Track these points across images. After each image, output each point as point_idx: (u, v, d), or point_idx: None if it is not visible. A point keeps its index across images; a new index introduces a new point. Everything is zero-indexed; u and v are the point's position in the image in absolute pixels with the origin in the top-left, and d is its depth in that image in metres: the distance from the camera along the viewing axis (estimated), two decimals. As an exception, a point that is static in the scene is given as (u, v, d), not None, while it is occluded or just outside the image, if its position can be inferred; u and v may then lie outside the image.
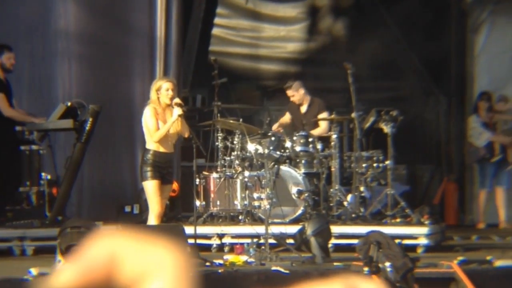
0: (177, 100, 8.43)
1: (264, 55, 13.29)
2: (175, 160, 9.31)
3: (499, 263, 8.09)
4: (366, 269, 7.37)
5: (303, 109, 11.04)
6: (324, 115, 10.85)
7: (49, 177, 9.80)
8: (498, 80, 12.49)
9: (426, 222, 9.70)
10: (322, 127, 10.83)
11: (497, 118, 11.87)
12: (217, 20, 13.10)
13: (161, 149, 8.42)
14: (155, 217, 8.41)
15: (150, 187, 8.37)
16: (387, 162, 10.28)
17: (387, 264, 7.27)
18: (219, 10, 13.10)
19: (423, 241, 9.45)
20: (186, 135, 8.64)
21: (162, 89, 8.36)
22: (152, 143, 8.42)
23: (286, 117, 11.09)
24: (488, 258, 8.29)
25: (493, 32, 12.68)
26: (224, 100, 10.80)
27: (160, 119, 8.40)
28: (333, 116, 10.64)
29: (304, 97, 10.95)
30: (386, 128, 10.36)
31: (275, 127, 10.93)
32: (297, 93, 10.88)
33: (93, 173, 10.90)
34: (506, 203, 11.67)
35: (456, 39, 12.82)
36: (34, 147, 9.89)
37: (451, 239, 10.31)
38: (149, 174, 8.35)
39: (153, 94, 8.40)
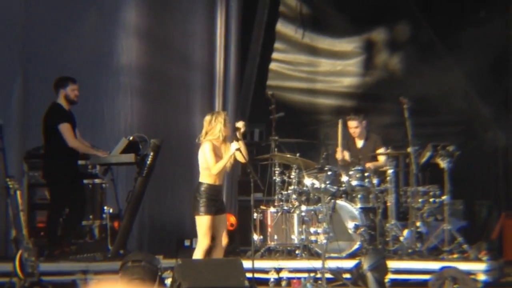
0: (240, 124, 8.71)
1: (320, 90, 13.38)
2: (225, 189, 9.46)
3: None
4: None
5: (360, 144, 11.10)
6: (381, 150, 10.91)
7: (111, 210, 9.98)
8: (555, 114, 12.39)
9: (484, 258, 9.66)
10: (381, 161, 10.87)
11: (555, 153, 11.76)
12: (274, 55, 13.25)
13: (216, 182, 8.62)
14: (202, 251, 8.56)
15: (204, 222, 8.52)
16: (444, 197, 10.28)
17: None
18: (276, 45, 13.25)
19: (481, 277, 9.37)
20: (243, 161, 8.77)
21: (226, 122, 8.64)
22: (207, 177, 8.58)
23: (342, 154, 11.08)
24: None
25: (551, 66, 12.60)
26: (281, 134, 10.91)
27: (217, 153, 8.59)
28: (389, 151, 10.70)
29: (364, 131, 11.02)
30: (443, 163, 10.36)
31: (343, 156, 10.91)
32: (361, 125, 10.94)
33: (154, 207, 11.06)
34: None
35: (513, 73, 12.77)
36: (97, 180, 10.09)
37: (510, 275, 10.19)
38: (203, 208, 8.51)
39: (219, 127, 8.57)
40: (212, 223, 8.53)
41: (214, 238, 8.72)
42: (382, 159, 10.91)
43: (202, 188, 8.55)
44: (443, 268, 7.89)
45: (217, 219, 8.60)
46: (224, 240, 8.71)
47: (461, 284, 7.42)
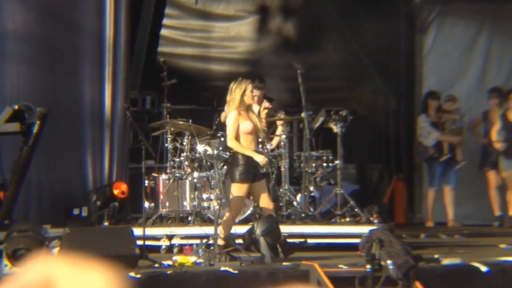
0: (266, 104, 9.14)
1: (214, 56, 13.26)
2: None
3: (446, 261, 8.16)
4: (368, 266, 7.45)
5: (256, 109, 11.00)
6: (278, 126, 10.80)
7: (-5, 181, 9.68)
8: (446, 80, 12.62)
9: (375, 221, 9.79)
10: (276, 141, 10.76)
11: (445, 117, 11.99)
12: (165, 21, 13.03)
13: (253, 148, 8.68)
14: (234, 219, 8.68)
15: (241, 190, 8.55)
16: (337, 162, 10.35)
17: (389, 262, 7.36)
18: (168, 10, 13.03)
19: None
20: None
21: (247, 91, 8.58)
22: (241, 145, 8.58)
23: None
24: (436, 256, 8.36)
25: (441, 32, 12.81)
26: (173, 102, 10.76)
27: (246, 119, 8.64)
28: (282, 116, 10.66)
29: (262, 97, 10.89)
30: (336, 128, 10.42)
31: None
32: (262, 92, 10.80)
33: (41, 176, 10.78)
34: (454, 201, 11.79)
35: (404, 39, 12.91)
36: (-20, 150, 9.75)
37: (399, 237, 10.34)
38: (241, 176, 8.53)
39: (238, 96, 8.52)
40: (247, 190, 8.58)
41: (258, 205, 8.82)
42: (275, 142, 10.79)
43: (239, 156, 8.56)
44: (371, 230, 7.96)
45: (255, 186, 8.64)
46: (269, 205, 8.76)
47: (387, 246, 7.45)
